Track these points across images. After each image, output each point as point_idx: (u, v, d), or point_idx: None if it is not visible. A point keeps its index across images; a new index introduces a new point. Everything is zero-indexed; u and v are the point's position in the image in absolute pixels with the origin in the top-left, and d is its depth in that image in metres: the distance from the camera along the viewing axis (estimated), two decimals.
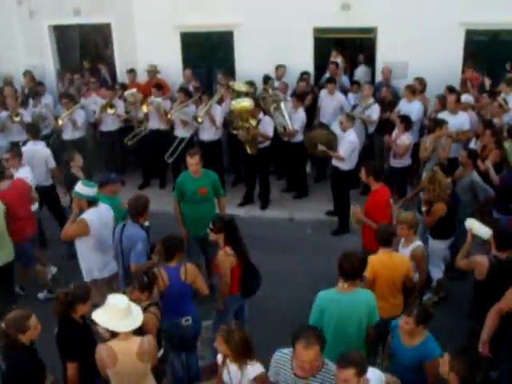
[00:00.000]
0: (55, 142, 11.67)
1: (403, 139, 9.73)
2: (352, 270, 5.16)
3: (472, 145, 9.21)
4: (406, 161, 9.97)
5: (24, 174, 8.32)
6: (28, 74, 13.56)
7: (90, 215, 6.72)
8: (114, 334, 4.93)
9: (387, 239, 6.12)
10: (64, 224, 7.13)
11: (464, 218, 7.85)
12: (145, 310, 5.25)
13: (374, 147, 11.21)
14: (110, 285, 6.97)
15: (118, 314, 4.85)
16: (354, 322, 5.16)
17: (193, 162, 7.59)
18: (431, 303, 7.77)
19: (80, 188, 6.77)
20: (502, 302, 5.44)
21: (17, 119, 11.17)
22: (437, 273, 7.87)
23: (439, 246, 7.73)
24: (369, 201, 7.48)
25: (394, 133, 9.92)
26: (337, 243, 9.26)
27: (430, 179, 7.42)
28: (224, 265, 6.18)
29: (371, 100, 10.94)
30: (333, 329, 5.13)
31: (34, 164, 8.99)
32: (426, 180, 7.55)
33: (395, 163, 10.02)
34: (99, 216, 6.80)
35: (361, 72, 13.10)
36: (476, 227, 6.42)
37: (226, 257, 6.19)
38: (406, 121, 9.76)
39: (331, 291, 5.29)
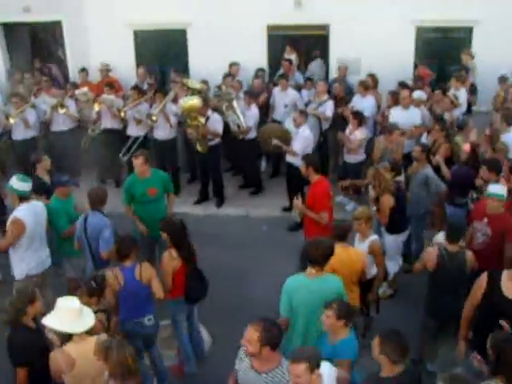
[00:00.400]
0: (6, 143, 11.43)
1: (356, 135, 9.85)
2: (320, 255, 5.27)
3: (423, 140, 9.36)
4: (360, 156, 10.11)
5: None
6: None
7: (22, 212, 6.61)
8: (68, 337, 4.84)
9: (343, 235, 6.20)
10: None
11: (419, 212, 8.08)
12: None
13: (328, 143, 11.29)
14: (44, 281, 6.90)
15: (71, 315, 4.76)
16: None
17: (138, 162, 7.60)
18: (386, 296, 7.92)
19: (14, 182, 6.69)
20: (469, 300, 5.54)
21: None
22: (393, 267, 7.99)
23: (395, 241, 7.85)
24: (309, 193, 7.57)
25: (348, 128, 10.03)
26: (293, 239, 9.28)
27: (373, 175, 7.56)
28: (166, 267, 6.13)
29: (326, 96, 10.99)
30: (302, 315, 5.24)
31: None
32: (371, 176, 7.68)
33: (349, 158, 10.15)
34: (33, 212, 6.71)
35: (316, 66, 13.09)
36: (438, 237, 6.71)
37: (170, 259, 6.13)
38: (359, 116, 9.89)
39: (300, 277, 5.38)
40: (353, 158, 10.09)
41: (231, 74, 12.19)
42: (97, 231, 6.63)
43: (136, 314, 5.92)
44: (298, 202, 7.56)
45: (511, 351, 4.33)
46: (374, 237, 6.74)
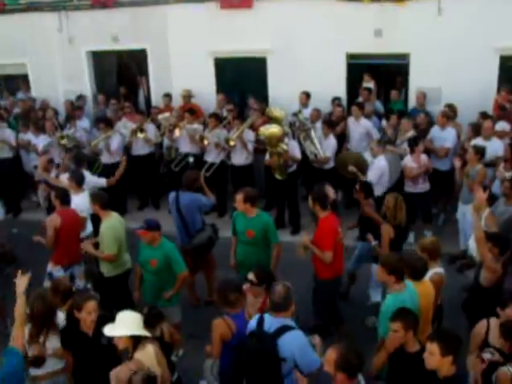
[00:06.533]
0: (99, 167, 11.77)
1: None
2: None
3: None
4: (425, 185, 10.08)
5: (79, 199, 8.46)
6: (68, 100, 13.95)
7: None
8: (134, 347, 5.09)
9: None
10: None
11: None
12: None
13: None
14: None
15: (139, 321, 5.18)
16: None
17: (237, 198, 7.34)
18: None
19: None
20: None
21: (63, 142, 11.49)
22: (375, 296, 8.18)
23: None
24: (317, 229, 7.28)
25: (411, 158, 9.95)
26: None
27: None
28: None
29: (410, 133, 10.57)
30: None
31: None
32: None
33: (417, 189, 10.05)
34: None
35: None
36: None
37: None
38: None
39: (393, 296, 5.54)
40: (419, 188, 10.02)
41: (301, 103, 12.27)
42: (189, 207, 7.95)
43: None
44: (305, 237, 7.32)
45: None
46: (438, 269, 6.49)
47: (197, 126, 11.57)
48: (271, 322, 5.17)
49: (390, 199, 7.61)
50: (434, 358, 4.50)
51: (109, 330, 5.14)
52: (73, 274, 7.77)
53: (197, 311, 8.14)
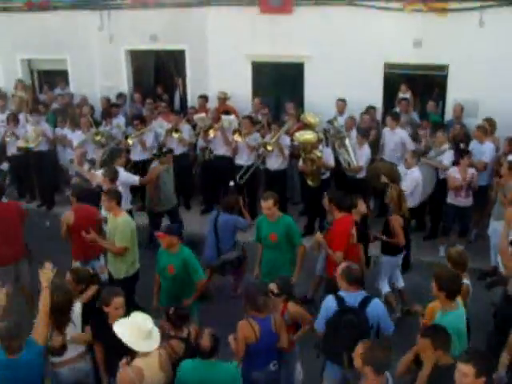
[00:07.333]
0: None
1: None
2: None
3: None
4: (467, 200, 9.90)
5: None
6: (105, 97, 14.16)
7: None
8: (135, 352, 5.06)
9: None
10: None
11: None
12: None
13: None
14: None
15: (142, 334, 5.03)
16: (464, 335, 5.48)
17: (266, 205, 7.34)
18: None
19: None
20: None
21: (97, 138, 11.66)
22: (384, 287, 8.17)
23: (388, 262, 8.10)
24: (331, 229, 7.44)
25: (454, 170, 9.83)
26: None
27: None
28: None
29: (446, 146, 10.43)
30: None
31: None
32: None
33: (459, 202, 9.85)
34: None
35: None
36: None
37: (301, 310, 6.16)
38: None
39: (456, 313, 5.44)
40: (460, 202, 9.83)
41: (338, 110, 12.23)
42: (226, 227, 8.36)
43: (263, 362, 5.73)
44: (318, 235, 7.51)
45: None
46: (464, 281, 6.28)
47: (233, 117, 11.58)
48: (352, 298, 5.69)
49: (393, 191, 7.95)
50: (468, 379, 4.28)
51: (117, 327, 5.14)
52: (93, 268, 7.81)
53: (220, 312, 8.13)
